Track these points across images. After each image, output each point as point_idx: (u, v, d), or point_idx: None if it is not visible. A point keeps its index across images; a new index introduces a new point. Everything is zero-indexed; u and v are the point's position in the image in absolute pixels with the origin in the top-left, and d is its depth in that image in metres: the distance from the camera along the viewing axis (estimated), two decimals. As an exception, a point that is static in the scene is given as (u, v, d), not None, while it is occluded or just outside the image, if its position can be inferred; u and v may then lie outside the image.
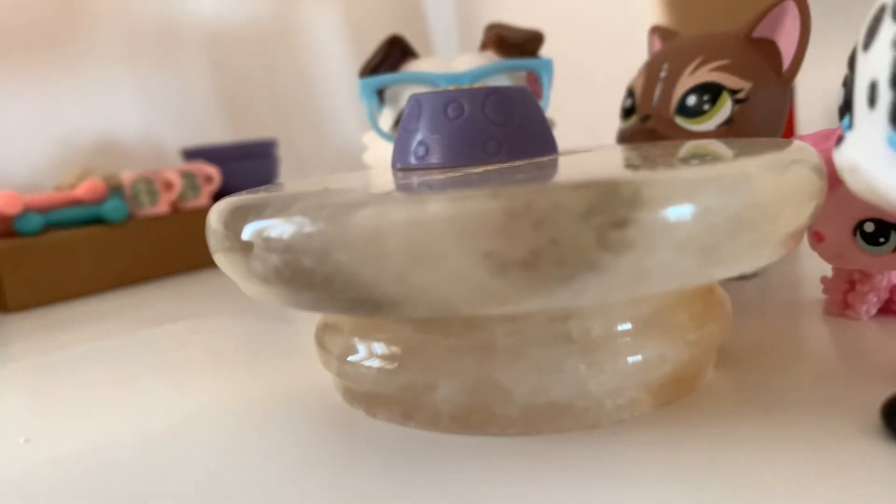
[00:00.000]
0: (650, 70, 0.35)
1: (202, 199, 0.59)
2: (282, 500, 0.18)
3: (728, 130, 0.32)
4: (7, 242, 0.47)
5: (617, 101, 0.38)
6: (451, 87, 0.31)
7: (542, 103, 0.38)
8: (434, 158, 0.25)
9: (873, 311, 0.28)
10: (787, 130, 0.47)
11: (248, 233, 0.19)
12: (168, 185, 0.57)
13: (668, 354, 0.21)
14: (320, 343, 0.24)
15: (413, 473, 0.19)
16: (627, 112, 0.36)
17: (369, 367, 0.22)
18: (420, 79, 0.38)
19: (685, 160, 0.20)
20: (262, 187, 0.25)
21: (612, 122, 0.38)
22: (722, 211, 0.17)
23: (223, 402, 0.26)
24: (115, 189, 0.54)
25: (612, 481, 0.17)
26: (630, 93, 0.36)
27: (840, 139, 0.18)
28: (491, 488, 0.18)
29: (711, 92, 0.32)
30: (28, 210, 0.49)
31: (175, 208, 0.58)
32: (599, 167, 0.21)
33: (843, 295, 0.28)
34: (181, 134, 0.73)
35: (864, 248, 0.26)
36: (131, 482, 0.20)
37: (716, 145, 0.24)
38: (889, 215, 0.25)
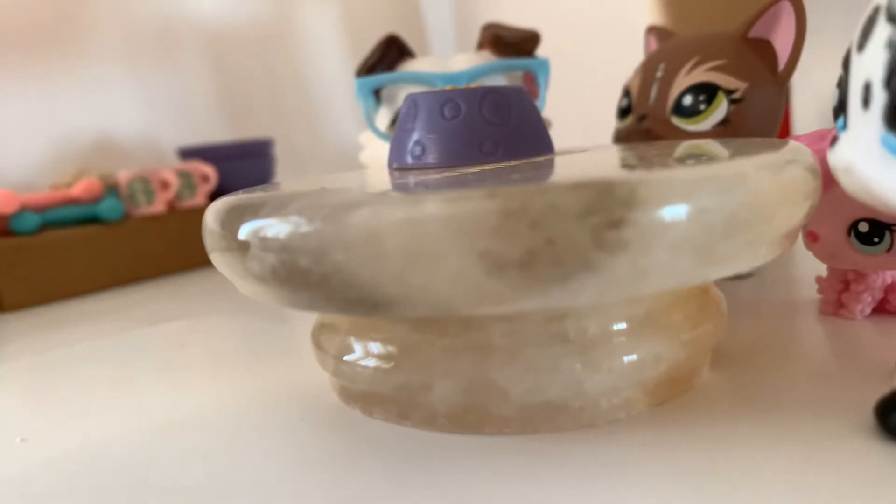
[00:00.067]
0: (646, 70, 0.35)
1: (198, 199, 0.59)
2: (280, 500, 0.18)
3: (724, 130, 0.32)
4: (3, 242, 0.47)
5: (613, 100, 0.38)
6: (447, 87, 0.31)
7: (538, 103, 0.38)
8: (430, 158, 0.25)
9: (868, 310, 0.28)
10: (782, 131, 0.48)
11: (244, 232, 0.19)
12: (164, 185, 0.57)
13: (664, 354, 0.21)
14: (317, 342, 0.24)
15: (412, 473, 0.19)
16: (624, 112, 0.36)
17: (365, 367, 0.22)
18: (416, 78, 0.38)
19: (681, 160, 0.20)
20: (259, 187, 0.25)
21: (609, 122, 0.38)
22: (717, 211, 0.17)
23: (220, 401, 0.26)
24: (112, 188, 0.54)
25: (609, 481, 0.17)
26: (626, 93, 0.36)
27: (834, 140, 0.18)
28: (490, 488, 0.18)
29: (707, 92, 0.32)
30: (24, 209, 0.49)
31: (171, 208, 0.57)
32: (596, 167, 0.21)
33: (837, 294, 0.29)
34: (179, 133, 0.73)
35: (859, 247, 0.26)
36: (128, 482, 0.20)
37: (711, 145, 0.24)
38: (883, 215, 0.26)
